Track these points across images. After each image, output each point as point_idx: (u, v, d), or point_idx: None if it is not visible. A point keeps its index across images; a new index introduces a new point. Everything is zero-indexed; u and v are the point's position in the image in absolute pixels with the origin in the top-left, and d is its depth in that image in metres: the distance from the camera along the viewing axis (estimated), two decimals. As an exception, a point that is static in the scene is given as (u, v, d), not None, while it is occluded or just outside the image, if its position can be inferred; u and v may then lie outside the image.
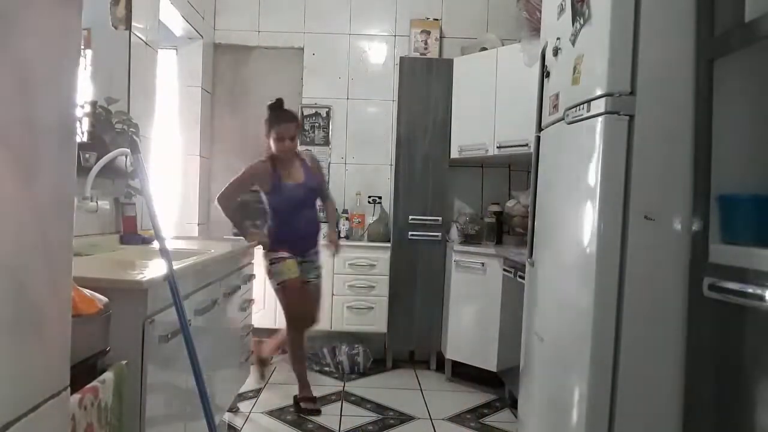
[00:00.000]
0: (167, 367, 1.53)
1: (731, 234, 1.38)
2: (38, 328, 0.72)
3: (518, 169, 3.82)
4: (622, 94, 1.53)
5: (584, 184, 1.63)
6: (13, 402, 0.66)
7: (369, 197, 3.79)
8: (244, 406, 2.74)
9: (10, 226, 0.64)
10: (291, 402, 2.81)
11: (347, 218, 3.75)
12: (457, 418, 2.74)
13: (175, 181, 3.61)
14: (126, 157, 2.20)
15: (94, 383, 1.06)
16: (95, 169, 1.97)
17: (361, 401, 2.92)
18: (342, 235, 3.73)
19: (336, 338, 3.54)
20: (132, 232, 2.34)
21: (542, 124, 2.10)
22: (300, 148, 3.88)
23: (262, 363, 3.01)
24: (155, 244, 2.37)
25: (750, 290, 1.20)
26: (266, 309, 3.45)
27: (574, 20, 1.75)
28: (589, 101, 1.62)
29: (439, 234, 3.48)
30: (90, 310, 1.05)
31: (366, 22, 3.92)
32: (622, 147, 1.53)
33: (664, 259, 1.51)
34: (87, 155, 2.02)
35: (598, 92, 1.57)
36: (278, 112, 2.75)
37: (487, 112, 3.35)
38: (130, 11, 2.36)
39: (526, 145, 2.97)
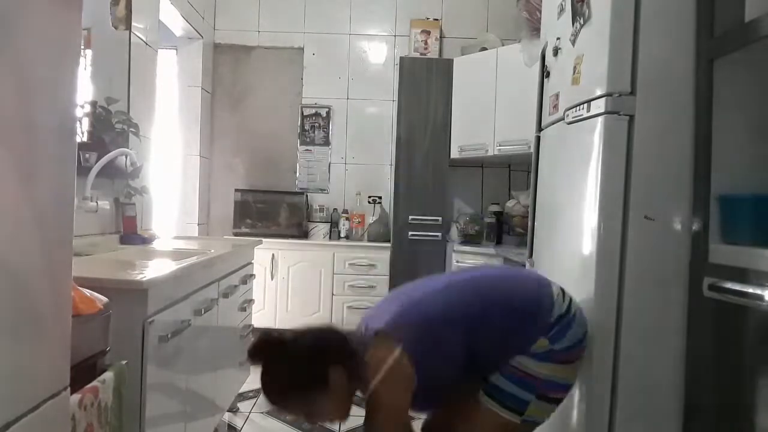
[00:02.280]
0: (167, 367, 1.53)
1: (731, 234, 1.38)
2: (38, 328, 0.72)
3: (518, 169, 3.82)
4: (622, 94, 1.52)
5: (584, 184, 1.63)
6: (13, 402, 0.66)
7: (369, 197, 3.79)
8: (244, 406, 2.74)
9: (10, 226, 0.64)
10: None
11: (347, 218, 3.75)
12: (457, 418, 2.74)
13: (175, 181, 3.61)
14: (126, 157, 2.20)
15: (94, 383, 1.06)
16: (95, 169, 1.97)
17: (361, 401, 2.91)
18: (342, 235, 3.73)
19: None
20: (132, 232, 2.34)
21: (542, 124, 2.10)
22: (300, 148, 3.91)
23: None
24: (155, 244, 2.37)
25: (750, 290, 1.20)
26: (266, 309, 3.45)
27: (574, 20, 1.75)
28: (589, 101, 1.62)
29: (439, 234, 3.48)
30: (90, 310, 1.05)
31: (366, 22, 3.92)
32: (622, 147, 1.53)
33: (664, 259, 1.50)
34: (87, 155, 2.02)
35: (598, 92, 1.57)
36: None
37: (487, 112, 3.35)
38: (130, 11, 2.36)
39: (526, 145, 2.97)
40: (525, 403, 1.27)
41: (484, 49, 3.54)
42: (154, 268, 1.51)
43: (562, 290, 1.42)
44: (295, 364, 1.24)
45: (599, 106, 1.56)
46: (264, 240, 3.09)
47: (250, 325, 2.74)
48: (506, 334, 1.29)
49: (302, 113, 3.90)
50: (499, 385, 1.29)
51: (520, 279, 1.46)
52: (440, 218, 3.50)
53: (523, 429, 1.32)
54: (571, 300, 1.41)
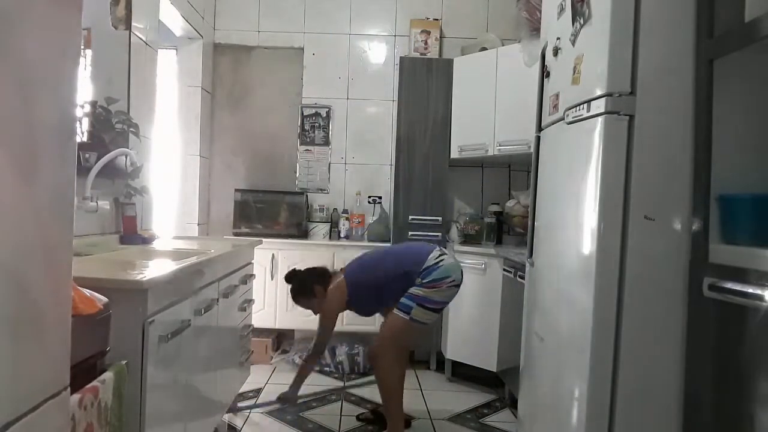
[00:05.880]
0: (167, 367, 1.53)
1: (731, 234, 1.38)
2: (38, 328, 0.72)
3: (518, 169, 3.82)
4: (622, 94, 1.53)
5: (584, 184, 1.63)
6: (13, 402, 0.66)
7: (369, 197, 3.79)
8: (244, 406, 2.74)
9: (10, 226, 0.64)
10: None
11: (347, 218, 3.75)
12: (457, 418, 2.74)
13: (175, 181, 3.61)
14: (126, 157, 2.20)
15: (94, 383, 1.06)
16: (95, 169, 1.97)
17: (361, 401, 2.91)
18: (342, 235, 3.73)
19: (336, 338, 3.54)
20: (132, 232, 2.34)
21: (542, 124, 2.10)
22: (300, 148, 3.91)
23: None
24: (155, 244, 2.37)
25: (750, 290, 1.20)
26: (266, 309, 3.45)
27: (574, 20, 1.75)
28: (589, 101, 1.62)
29: (439, 234, 3.48)
30: (90, 310, 1.05)
31: (366, 22, 3.92)
32: (622, 147, 1.53)
33: (664, 260, 1.51)
34: (87, 155, 2.02)
35: (598, 92, 1.57)
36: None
37: (487, 112, 3.35)
38: (130, 11, 2.36)
39: (526, 145, 2.97)
40: (410, 308, 2.31)
41: (484, 49, 3.54)
42: (154, 268, 1.51)
43: (442, 252, 2.41)
44: (298, 283, 2.56)
45: (599, 106, 1.56)
46: (264, 240, 3.09)
47: (250, 325, 2.74)
48: (400, 284, 2.36)
49: (302, 113, 3.90)
50: (400, 300, 2.35)
51: (412, 251, 2.49)
52: (440, 218, 3.50)
53: (413, 326, 2.34)
54: (441, 257, 2.37)
